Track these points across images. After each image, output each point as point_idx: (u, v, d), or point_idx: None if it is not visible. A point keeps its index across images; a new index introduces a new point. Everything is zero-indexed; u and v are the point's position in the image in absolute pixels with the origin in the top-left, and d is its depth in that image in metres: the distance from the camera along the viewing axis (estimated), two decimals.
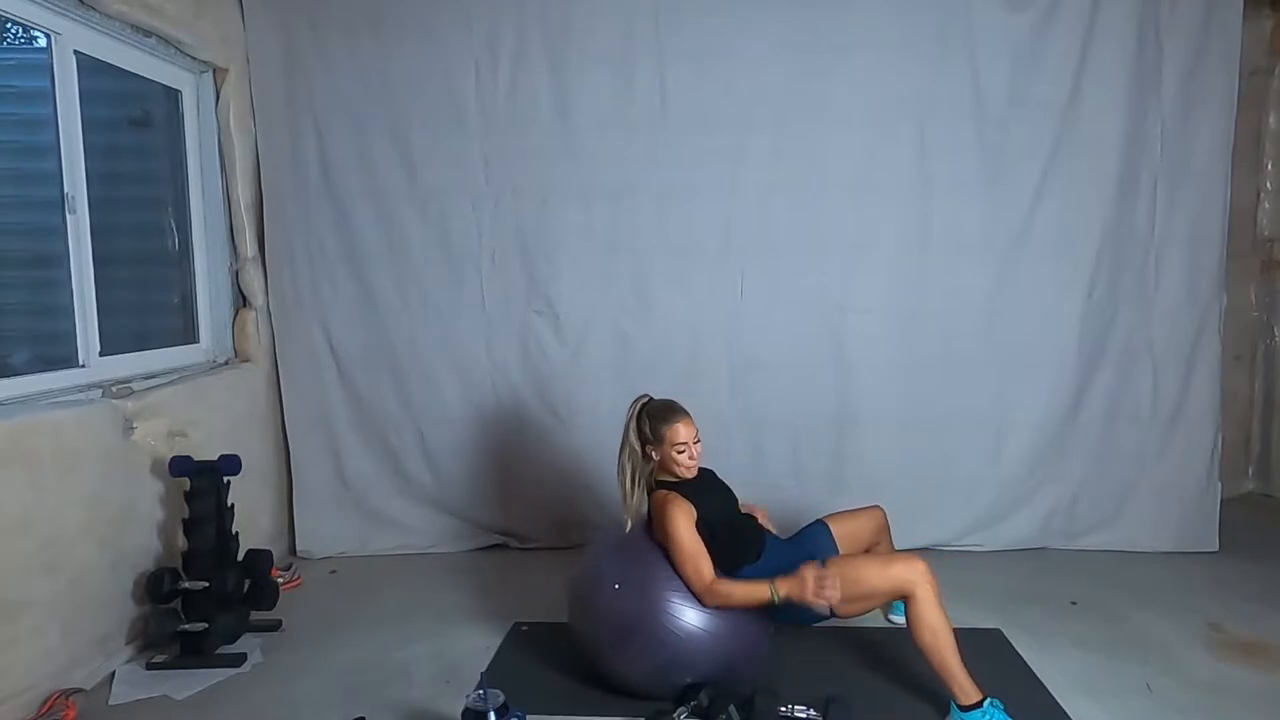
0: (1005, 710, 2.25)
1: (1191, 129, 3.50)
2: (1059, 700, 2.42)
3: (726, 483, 2.68)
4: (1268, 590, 3.21)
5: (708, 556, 2.39)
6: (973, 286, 3.57)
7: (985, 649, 2.75)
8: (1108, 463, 3.65)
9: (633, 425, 2.54)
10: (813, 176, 3.56)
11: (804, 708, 2.31)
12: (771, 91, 3.52)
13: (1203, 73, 3.47)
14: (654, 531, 2.48)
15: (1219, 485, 3.65)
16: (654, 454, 2.52)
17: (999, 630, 2.89)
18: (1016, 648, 2.77)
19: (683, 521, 2.39)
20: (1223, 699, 2.43)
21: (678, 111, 3.56)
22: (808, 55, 3.50)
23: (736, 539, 2.50)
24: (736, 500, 2.67)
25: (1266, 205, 4.32)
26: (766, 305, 3.63)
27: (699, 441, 2.51)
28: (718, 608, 2.35)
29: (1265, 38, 4.22)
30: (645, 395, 2.62)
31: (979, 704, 2.24)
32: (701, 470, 2.60)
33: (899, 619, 2.64)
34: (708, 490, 2.56)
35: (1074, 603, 3.14)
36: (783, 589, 2.29)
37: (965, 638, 2.80)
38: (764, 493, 3.52)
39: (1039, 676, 2.57)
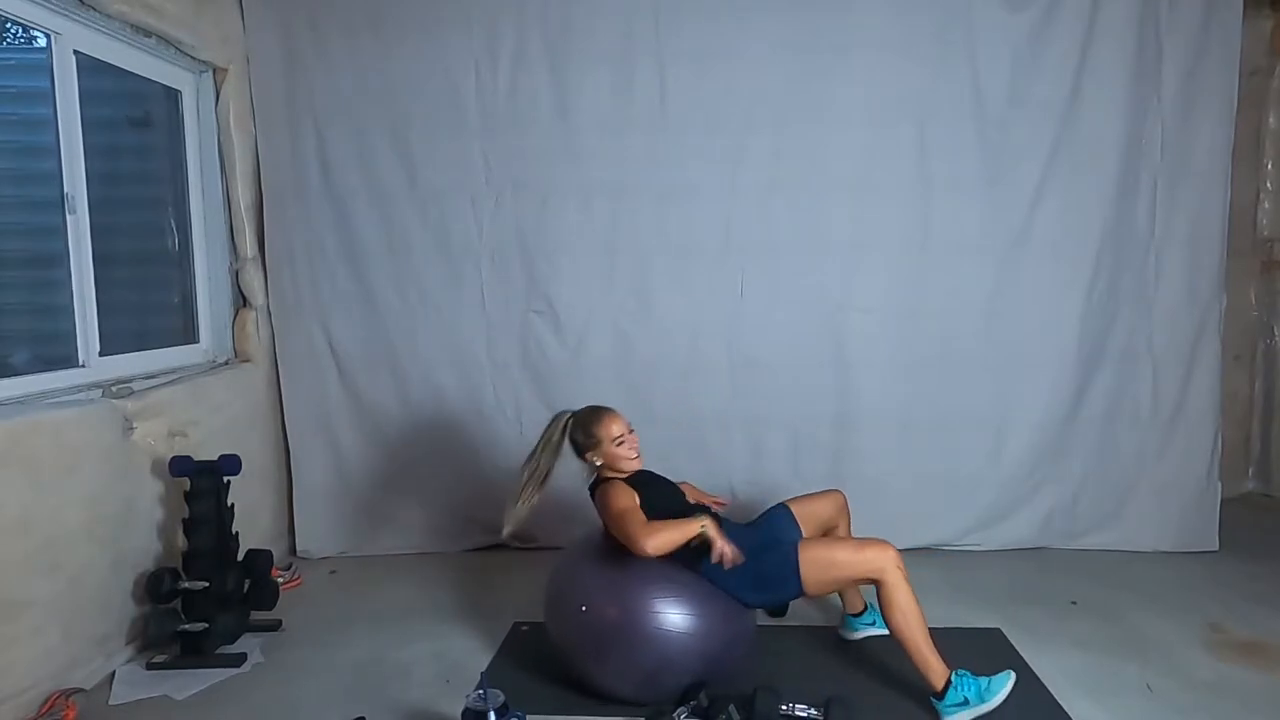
0: (972, 674, 2.31)
1: (1191, 129, 3.50)
2: (1059, 700, 2.42)
3: (671, 480, 2.69)
4: (1268, 590, 3.21)
5: (640, 513, 2.38)
6: (973, 286, 3.57)
7: (985, 649, 2.75)
8: (1108, 463, 3.65)
9: (558, 440, 2.59)
10: (813, 176, 3.56)
11: (804, 707, 2.31)
12: (771, 91, 3.52)
13: (1203, 73, 3.47)
14: (605, 525, 2.50)
15: (1219, 485, 3.65)
16: (596, 460, 2.56)
17: (999, 630, 2.89)
18: (1016, 648, 2.76)
19: (621, 496, 2.42)
20: (1223, 699, 2.43)
21: (678, 111, 3.56)
22: (808, 55, 3.50)
23: None
24: (682, 493, 2.69)
25: (1266, 205, 4.32)
26: (766, 305, 3.63)
27: (634, 432, 2.58)
28: (659, 552, 2.27)
29: (1265, 38, 4.21)
30: (565, 411, 2.66)
31: (948, 684, 2.29)
32: (642, 471, 2.61)
33: (865, 630, 2.66)
34: (651, 483, 2.58)
35: (1074, 603, 3.14)
36: (710, 529, 2.30)
37: (965, 637, 2.83)
38: (765, 492, 3.54)
39: (1039, 676, 2.57)
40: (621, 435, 2.53)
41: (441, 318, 3.72)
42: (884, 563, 2.31)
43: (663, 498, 2.54)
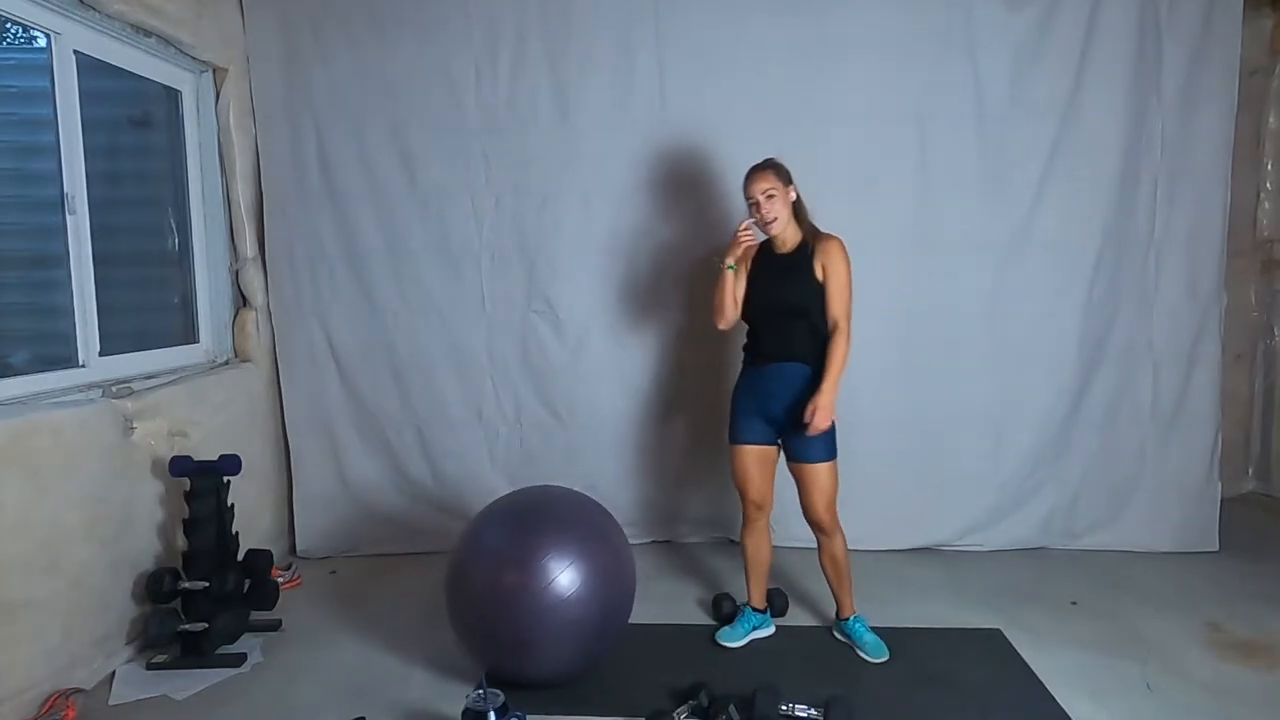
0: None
1: (1191, 129, 3.50)
2: (1059, 700, 2.42)
3: (806, 286, 2.73)
4: (1268, 590, 3.21)
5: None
6: (973, 286, 3.57)
7: (985, 649, 2.75)
8: (1108, 463, 3.65)
9: None
10: (812, 176, 3.53)
11: (804, 707, 2.31)
12: (771, 91, 3.52)
13: (1203, 73, 3.47)
14: None
15: (1219, 485, 3.64)
16: None
17: (999, 630, 2.89)
18: (1016, 648, 2.76)
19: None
20: (1223, 699, 2.44)
21: (678, 111, 3.56)
22: (808, 55, 3.50)
23: (760, 331, 2.77)
24: (794, 309, 2.73)
25: (1266, 205, 4.31)
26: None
27: (772, 197, 2.61)
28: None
29: (1265, 38, 4.21)
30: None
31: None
32: (762, 250, 2.68)
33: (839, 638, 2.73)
34: (769, 268, 2.67)
35: (1074, 603, 3.13)
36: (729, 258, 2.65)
37: (965, 637, 2.83)
38: None
39: (1039, 676, 2.57)
40: (753, 199, 2.57)
41: (441, 318, 3.72)
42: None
43: (756, 290, 2.69)
